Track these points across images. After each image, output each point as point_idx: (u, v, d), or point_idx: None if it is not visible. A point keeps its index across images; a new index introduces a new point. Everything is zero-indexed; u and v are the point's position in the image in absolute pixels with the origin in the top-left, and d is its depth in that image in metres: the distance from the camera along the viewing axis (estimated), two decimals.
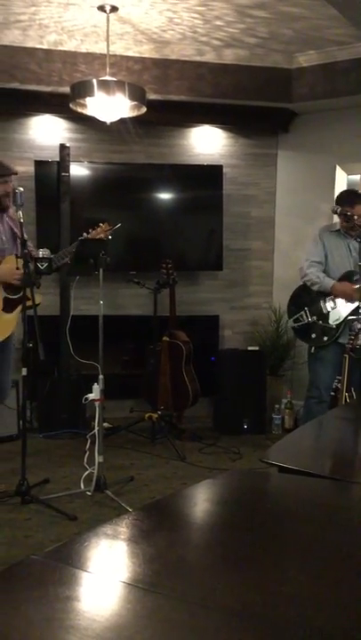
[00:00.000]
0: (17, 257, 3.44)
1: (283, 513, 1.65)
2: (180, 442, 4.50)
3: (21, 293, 3.35)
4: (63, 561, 1.29)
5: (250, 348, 5.12)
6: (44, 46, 4.56)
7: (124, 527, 1.50)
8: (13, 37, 4.45)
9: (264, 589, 1.19)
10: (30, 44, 4.52)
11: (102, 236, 3.72)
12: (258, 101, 4.99)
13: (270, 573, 1.25)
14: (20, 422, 3.97)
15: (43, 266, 3.46)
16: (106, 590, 1.17)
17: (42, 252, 3.47)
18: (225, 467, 4.09)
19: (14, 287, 3.50)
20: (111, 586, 1.18)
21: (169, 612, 1.12)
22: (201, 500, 1.72)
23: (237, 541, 1.42)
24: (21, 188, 3.50)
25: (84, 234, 3.71)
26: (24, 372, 3.41)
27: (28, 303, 3.35)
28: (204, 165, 5.28)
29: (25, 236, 3.48)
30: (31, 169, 4.88)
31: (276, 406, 5.03)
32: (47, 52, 4.59)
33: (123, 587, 1.18)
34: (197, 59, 4.76)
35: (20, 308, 3.46)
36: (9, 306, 3.55)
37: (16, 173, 3.62)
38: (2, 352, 3.61)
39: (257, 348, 5.13)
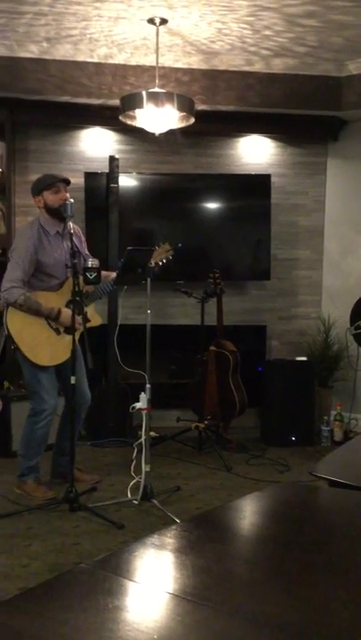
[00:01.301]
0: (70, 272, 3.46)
1: (332, 528, 1.62)
2: (226, 452, 4.47)
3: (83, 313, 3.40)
4: (112, 570, 1.29)
5: (298, 359, 5.06)
6: (95, 60, 4.64)
7: (171, 538, 1.49)
8: (65, 52, 4.54)
9: (313, 606, 1.16)
10: (81, 57, 4.61)
11: (164, 257, 3.75)
12: (307, 110, 4.96)
13: (319, 590, 1.23)
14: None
15: (92, 276, 3.50)
16: (154, 601, 1.17)
17: (91, 262, 3.51)
18: (272, 479, 4.04)
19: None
20: (160, 597, 1.18)
21: (218, 626, 1.11)
22: (249, 513, 1.71)
23: (286, 556, 1.40)
24: (71, 200, 3.57)
25: (155, 262, 3.69)
26: (72, 380, 3.46)
27: (89, 324, 3.42)
28: (252, 175, 5.27)
29: (85, 250, 3.55)
30: (81, 181, 4.96)
31: (325, 418, 4.95)
32: (97, 65, 4.67)
33: (171, 598, 1.17)
34: (246, 69, 4.77)
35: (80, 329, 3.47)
36: (70, 328, 3.60)
37: (66, 181, 3.68)
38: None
39: (305, 359, 5.07)
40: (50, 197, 3.61)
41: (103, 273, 3.53)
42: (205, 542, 1.45)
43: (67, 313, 3.56)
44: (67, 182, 3.69)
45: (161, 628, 1.09)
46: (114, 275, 3.79)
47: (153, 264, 3.59)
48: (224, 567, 1.32)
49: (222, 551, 1.38)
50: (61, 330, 3.64)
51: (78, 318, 3.38)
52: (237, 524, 1.64)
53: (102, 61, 4.66)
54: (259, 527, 1.62)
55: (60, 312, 3.58)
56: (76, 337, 3.47)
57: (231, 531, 1.57)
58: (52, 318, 3.58)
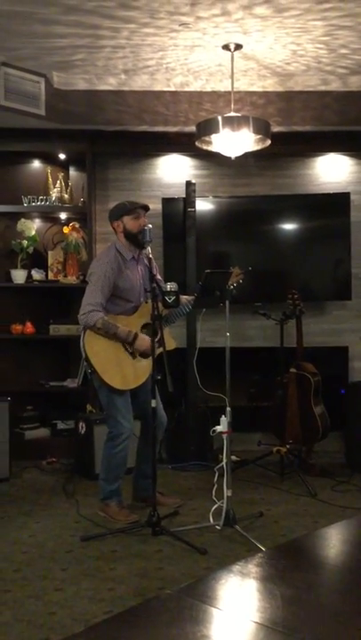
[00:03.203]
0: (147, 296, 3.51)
1: None
2: (310, 477, 4.36)
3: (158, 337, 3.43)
4: (198, 598, 1.27)
5: None
6: (171, 88, 4.73)
7: (258, 566, 1.46)
8: (142, 82, 4.66)
9: None
10: (158, 87, 4.72)
11: (234, 281, 3.76)
12: None
13: None
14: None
15: (170, 299, 3.54)
16: (243, 631, 1.14)
17: (169, 286, 3.55)
18: (359, 506, 3.90)
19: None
20: (248, 627, 1.15)
21: None
22: (338, 542, 1.65)
23: None
24: (150, 225, 3.63)
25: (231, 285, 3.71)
26: (153, 403, 3.48)
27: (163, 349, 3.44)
28: (330, 194, 5.19)
29: (156, 275, 3.59)
30: (159, 207, 5.04)
31: None
32: (174, 93, 4.77)
33: (260, 629, 1.14)
34: (322, 88, 4.73)
35: (157, 352, 3.51)
36: (146, 352, 3.64)
37: (146, 208, 3.76)
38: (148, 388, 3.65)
39: None
40: (130, 223, 3.69)
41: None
42: (294, 571, 1.41)
43: (142, 338, 3.60)
44: (146, 209, 3.76)
45: None
46: (187, 298, 3.81)
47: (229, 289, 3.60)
48: (314, 597, 1.27)
49: (313, 581, 1.34)
50: (137, 354, 3.68)
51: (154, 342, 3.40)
52: (326, 552, 1.59)
53: (178, 89, 4.75)
54: (349, 556, 1.56)
55: (136, 336, 3.62)
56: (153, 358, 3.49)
57: (320, 560, 1.51)
58: (128, 342, 3.63)
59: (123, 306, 3.70)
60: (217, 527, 3.42)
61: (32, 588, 2.86)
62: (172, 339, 3.92)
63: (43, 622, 2.54)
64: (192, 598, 1.26)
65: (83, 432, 4.61)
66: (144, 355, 3.67)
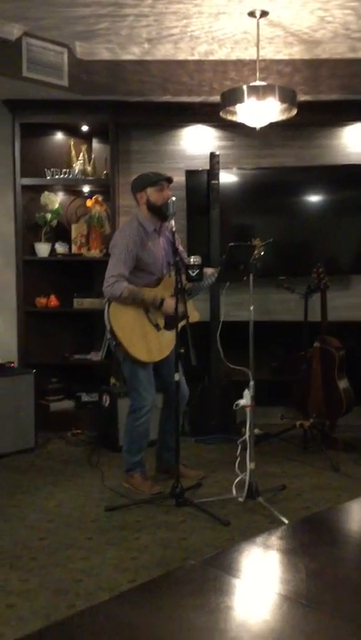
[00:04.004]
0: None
1: None
2: (333, 451, 4.35)
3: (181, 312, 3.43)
4: (222, 569, 1.29)
5: None
6: (195, 57, 4.65)
7: (282, 538, 1.46)
8: (165, 51, 4.59)
9: None
10: (182, 56, 4.63)
11: (255, 253, 3.71)
12: None
13: None
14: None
15: (194, 273, 3.52)
16: (267, 603, 1.15)
17: (193, 260, 3.53)
18: None
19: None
20: (272, 599, 1.15)
21: (333, 632, 1.07)
22: None
23: None
24: (173, 198, 3.60)
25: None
26: (176, 376, 3.49)
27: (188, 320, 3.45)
28: (357, 164, 5.08)
29: (179, 246, 3.58)
30: (182, 179, 4.99)
31: None
32: (198, 62, 4.68)
33: (284, 600, 1.15)
34: (350, 56, 4.60)
35: (180, 324, 3.52)
36: (170, 324, 3.64)
37: (170, 180, 3.73)
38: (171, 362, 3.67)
39: None
40: (153, 194, 3.66)
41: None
42: (318, 545, 1.41)
43: (170, 302, 3.59)
44: (170, 181, 3.73)
45: (274, 631, 1.06)
46: (210, 270, 3.79)
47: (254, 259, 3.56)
48: (340, 571, 1.28)
49: (337, 555, 1.34)
50: (161, 326, 3.68)
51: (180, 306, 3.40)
52: (350, 526, 1.59)
53: (203, 58, 4.66)
54: None
55: (162, 301, 3.62)
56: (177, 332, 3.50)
57: (344, 533, 1.52)
58: (155, 306, 3.62)
59: (145, 278, 3.69)
60: (240, 499, 3.44)
61: (58, 556, 2.92)
62: (196, 311, 3.91)
63: (68, 589, 2.60)
64: (216, 569, 1.28)
65: (106, 405, 4.65)
66: (169, 327, 3.67)
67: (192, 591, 1.21)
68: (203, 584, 1.23)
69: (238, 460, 3.48)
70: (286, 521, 3.15)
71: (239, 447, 3.48)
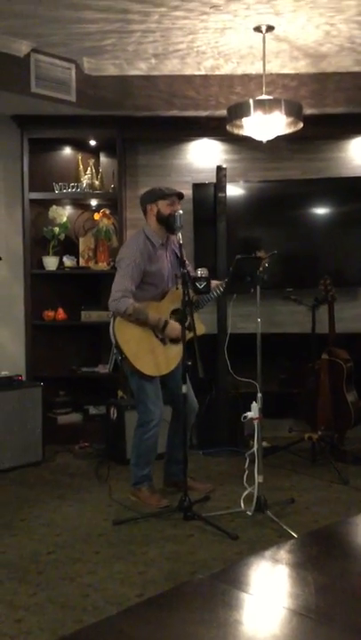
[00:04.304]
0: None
1: None
2: (341, 464, 4.32)
3: (187, 323, 3.43)
4: (230, 583, 1.28)
5: None
6: (202, 72, 4.69)
7: (290, 552, 1.46)
8: (172, 66, 4.63)
9: None
10: (188, 71, 4.67)
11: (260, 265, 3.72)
12: None
13: None
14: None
15: (201, 285, 3.53)
16: (276, 617, 1.14)
17: (200, 272, 3.55)
18: None
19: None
20: (281, 613, 1.15)
21: None
22: None
23: None
24: (181, 211, 3.63)
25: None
26: (184, 389, 3.49)
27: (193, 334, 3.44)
28: None
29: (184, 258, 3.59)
30: (189, 192, 5.01)
31: None
32: (204, 77, 4.72)
33: (293, 615, 1.14)
34: (356, 69, 4.63)
35: (187, 337, 3.51)
36: (176, 338, 3.64)
37: (180, 196, 3.76)
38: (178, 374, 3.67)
39: None
40: (164, 207, 3.69)
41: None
42: (326, 558, 1.40)
43: (173, 326, 3.60)
44: (180, 197, 3.77)
45: None
46: (217, 282, 3.80)
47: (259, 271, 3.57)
48: (348, 585, 1.27)
49: (346, 568, 1.33)
50: (167, 340, 3.69)
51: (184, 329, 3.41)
52: (359, 540, 1.58)
53: (209, 73, 4.70)
54: None
55: (166, 323, 3.62)
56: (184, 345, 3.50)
57: (354, 547, 1.51)
58: (159, 329, 3.63)
59: (151, 292, 3.70)
60: (248, 513, 3.42)
61: (65, 570, 2.91)
62: (202, 323, 3.91)
63: (76, 604, 2.59)
64: (224, 583, 1.27)
65: (114, 417, 4.65)
66: (175, 341, 3.67)
67: (200, 606, 1.20)
68: (211, 598, 1.22)
69: (246, 472, 3.47)
70: (295, 534, 3.13)
71: (247, 460, 3.47)
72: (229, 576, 1.32)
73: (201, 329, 3.83)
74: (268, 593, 1.24)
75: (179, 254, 3.70)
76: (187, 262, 3.70)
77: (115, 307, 3.59)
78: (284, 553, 1.41)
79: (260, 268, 3.67)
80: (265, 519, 3.38)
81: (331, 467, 4.23)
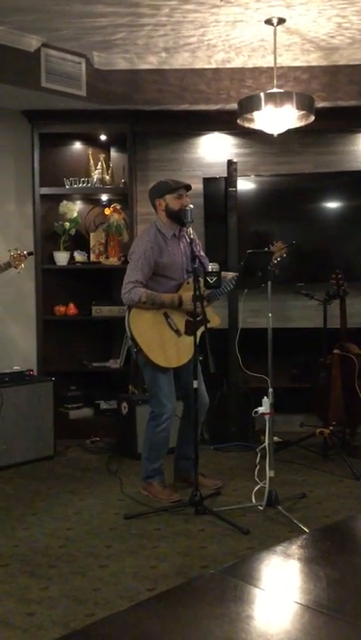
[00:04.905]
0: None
1: None
2: (353, 459, 4.31)
3: (201, 317, 3.43)
4: (242, 578, 1.27)
5: None
6: (213, 66, 4.67)
7: (302, 547, 1.45)
8: (183, 60, 4.61)
9: None
10: (199, 64, 4.65)
11: (278, 255, 3.71)
12: None
13: None
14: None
15: (212, 280, 3.52)
16: (288, 612, 1.14)
17: (211, 267, 3.53)
18: None
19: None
20: (293, 608, 1.14)
21: None
22: None
23: None
24: (191, 205, 3.61)
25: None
26: (195, 384, 3.48)
27: (209, 325, 3.43)
28: None
29: (200, 252, 3.58)
30: (200, 186, 5.00)
31: None
32: (215, 71, 4.70)
33: (305, 610, 1.13)
34: None
35: (200, 329, 3.52)
36: (190, 329, 3.64)
37: (188, 187, 3.74)
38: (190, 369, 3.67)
39: None
40: (172, 202, 3.67)
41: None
42: (338, 553, 1.39)
43: (187, 295, 3.58)
44: (188, 188, 3.75)
45: None
46: (231, 274, 3.79)
47: (272, 264, 3.56)
48: (360, 580, 1.26)
49: (357, 563, 1.32)
50: (182, 331, 3.69)
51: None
52: None
53: (220, 66, 4.67)
54: None
55: (180, 298, 3.62)
56: (197, 338, 3.49)
57: None
58: (175, 305, 3.62)
59: (165, 284, 3.70)
60: (259, 508, 3.42)
61: (77, 564, 2.92)
62: (217, 315, 3.90)
63: (88, 598, 2.60)
64: (236, 578, 1.26)
65: (125, 412, 4.65)
66: (190, 330, 3.65)
67: (212, 600, 1.20)
68: (223, 593, 1.22)
69: (258, 467, 3.46)
70: (307, 529, 3.12)
71: (258, 455, 3.46)
72: (241, 571, 1.31)
73: (216, 321, 3.83)
74: (279, 588, 1.24)
75: (189, 250, 3.69)
76: (203, 256, 3.70)
77: (128, 298, 3.59)
78: (295, 548, 1.41)
79: (278, 259, 3.66)
80: (276, 514, 3.37)
81: (342, 462, 4.21)
